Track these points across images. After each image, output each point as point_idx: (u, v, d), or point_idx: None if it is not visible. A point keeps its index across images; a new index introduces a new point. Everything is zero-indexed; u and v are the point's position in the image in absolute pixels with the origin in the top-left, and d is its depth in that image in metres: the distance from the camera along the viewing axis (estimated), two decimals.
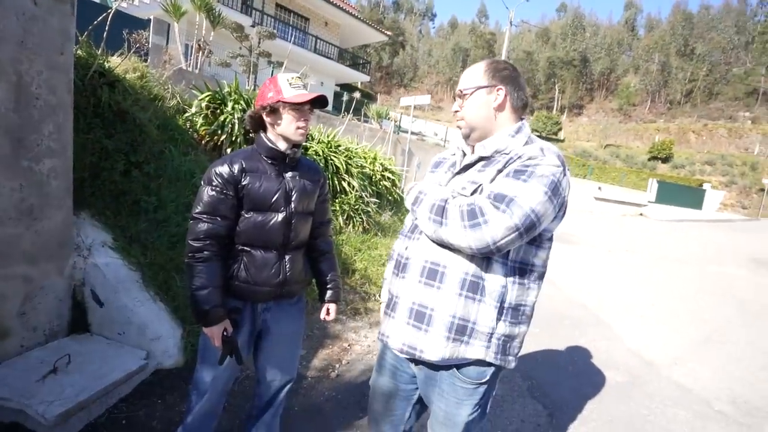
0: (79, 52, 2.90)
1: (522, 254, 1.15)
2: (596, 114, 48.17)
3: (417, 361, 1.24)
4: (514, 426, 2.38)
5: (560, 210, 1.12)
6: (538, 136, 1.37)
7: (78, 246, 2.41)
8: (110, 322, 2.37)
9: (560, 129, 39.78)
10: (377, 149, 6.16)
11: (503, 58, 18.18)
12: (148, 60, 5.33)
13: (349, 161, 4.87)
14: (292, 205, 1.50)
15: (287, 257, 1.52)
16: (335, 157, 4.65)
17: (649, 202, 20.63)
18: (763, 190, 28.30)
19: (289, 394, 1.75)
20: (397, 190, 5.76)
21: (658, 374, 3.29)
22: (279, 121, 1.45)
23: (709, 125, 40.12)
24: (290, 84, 1.44)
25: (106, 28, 3.17)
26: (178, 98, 4.27)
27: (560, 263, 6.72)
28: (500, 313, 1.14)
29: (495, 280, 1.13)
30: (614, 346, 3.77)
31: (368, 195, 4.96)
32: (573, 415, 2.56)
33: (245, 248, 1.47)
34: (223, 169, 1.41)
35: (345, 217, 4.60)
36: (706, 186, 26.81)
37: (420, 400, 1.38)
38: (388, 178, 5.53)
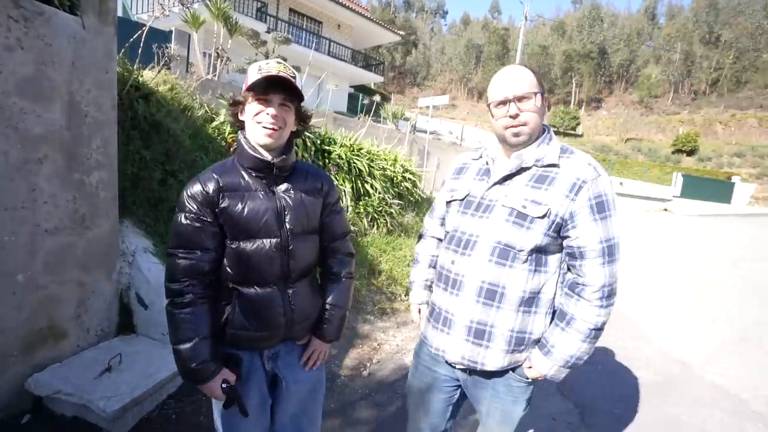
0: (117, 68, 3.06)
1: (567, 267, 1.24)
2: (616, 107, 47.10)
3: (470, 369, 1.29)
4: (545, 423, 2.41)
5: None
6: (555, 132, 1.40)
7: (123, 252, 2.55)
8: (154, 324, 2.50)
9: (578, 124, 39.02)
10: (396, 150, 6.21)
11: (518, 53, 17.98)
12: (174, 71, 5.54)
13: (372, 164, 4.94)
14: (287, 227, 1.18)
15: (291, 291, 1.21)
16: (358, 160, 4.74)
17: (674, 196, 20.04)
18: None
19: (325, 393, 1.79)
20: (418, 191, 5.80)
21: (690, 374, 3.25)
22: (242, 116, 1.16)
23: (738, 115, 38.83)
24: (259, 69, 1.10)
25: (141, 44, 3.32)
26: (206, 108, 4.43)
27: None
28: (551, 319, 1.23)
29: (548, 292, 1.21)
30: (643, 345, 3.73)
31: (391, 197, 5.03)
32: (605, 415, 2.56)
33: (237, 287, 1.18)
34: (196, 190, 1.12)
35: (369, 219, 4.68)
36: (735, 179, 25.81)
37: (457, 401, 1.42)
38: (409, 179, 5.58)
